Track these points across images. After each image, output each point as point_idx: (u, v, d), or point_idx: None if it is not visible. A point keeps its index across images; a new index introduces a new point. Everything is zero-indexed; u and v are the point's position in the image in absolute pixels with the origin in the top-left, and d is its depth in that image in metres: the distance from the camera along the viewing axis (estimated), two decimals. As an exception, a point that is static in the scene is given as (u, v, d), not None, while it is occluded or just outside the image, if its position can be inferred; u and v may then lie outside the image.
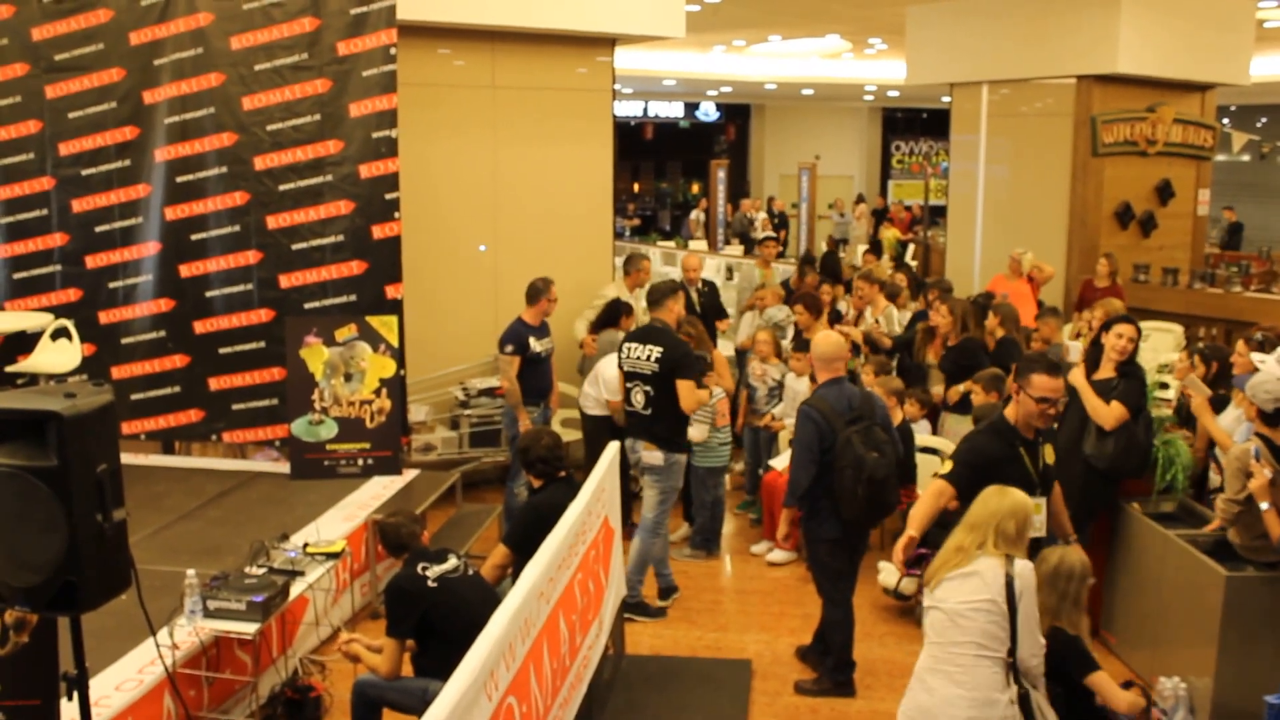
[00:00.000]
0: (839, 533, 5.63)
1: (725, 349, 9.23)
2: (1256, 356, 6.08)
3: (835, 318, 9.21)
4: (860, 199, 25.32)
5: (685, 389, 6.54)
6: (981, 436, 4.80)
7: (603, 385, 7.63)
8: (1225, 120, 21.02)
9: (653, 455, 6.60)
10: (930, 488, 4.64)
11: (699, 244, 20.68)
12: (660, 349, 6.54)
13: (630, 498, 7.98)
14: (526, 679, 3.72)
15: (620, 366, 6.75)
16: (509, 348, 7.46)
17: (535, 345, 7.52)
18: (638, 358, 6.59)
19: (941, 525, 6.59)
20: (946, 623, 3.91)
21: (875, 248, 14.89)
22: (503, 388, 7.67)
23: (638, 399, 6.60)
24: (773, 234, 18.28)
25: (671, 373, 6.49)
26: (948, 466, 4.67)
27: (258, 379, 7.75)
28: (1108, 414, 5.90)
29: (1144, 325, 10.55)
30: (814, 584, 5.92)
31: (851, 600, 5.79)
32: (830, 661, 5.84)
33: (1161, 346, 10.26)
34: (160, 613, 4.66)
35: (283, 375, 7.59)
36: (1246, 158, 24.13)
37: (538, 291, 7.63)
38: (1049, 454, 4.81)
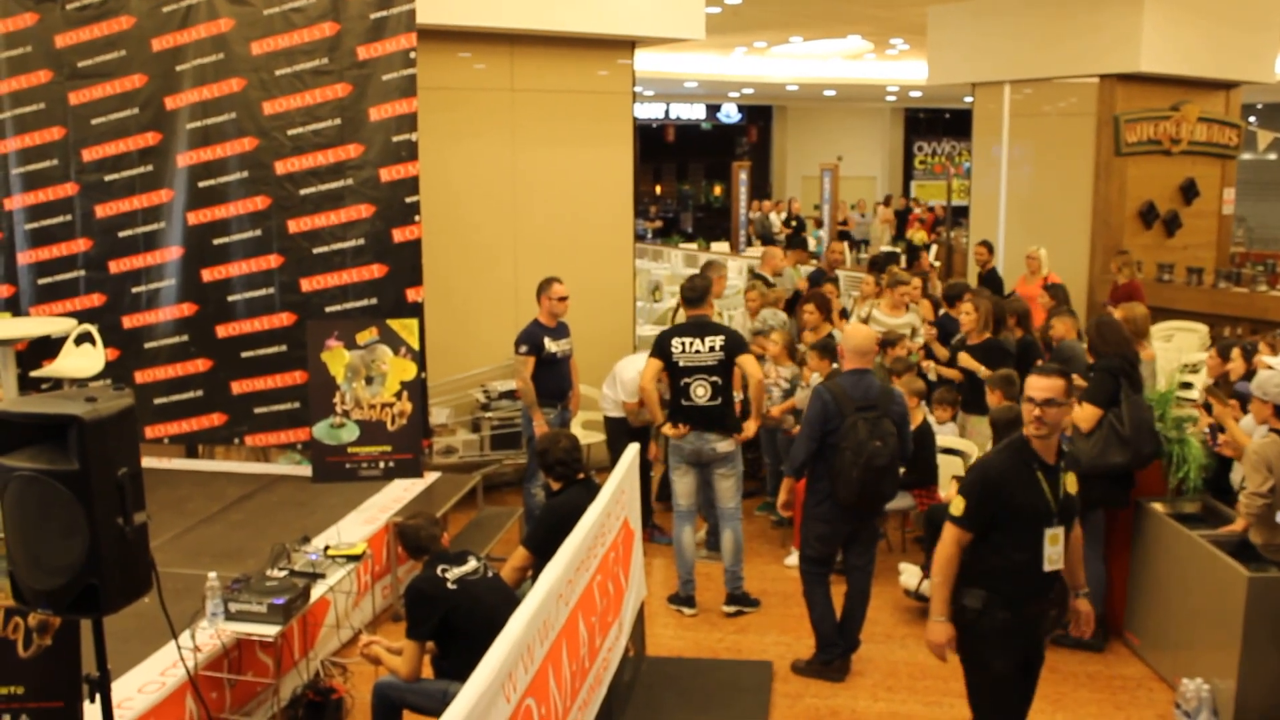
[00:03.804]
0: (829, 515, 5.78)
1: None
2: (1266, 359, 6.03)
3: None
4: (888, 201, 25.17)
5: (753, 360, 6.68)
6: (994, 455, 4.32)
7: (620, 387, 7.63)
8: (1252, 118, 20.87)
9: (726, 444, 6.65)
10: (945, 535, 4.22)
11: (720, 245, 20.68)
12: (722, 337, 6.58)
13: (650, 499, 8.00)
14: (545, 680, 3.72)
15: (673, 363, 6.61)
16: (523, 348, 7.46)
17: (551, 346, 7.51)
18: (697, 351, 6.56)
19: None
20: None
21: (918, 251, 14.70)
22: (518, 389, 7.68)
23: (700, 393, 6.55)
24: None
25: (733, 355, 6.57)
26: (959, 507, 4.18)
27: (279, 382, 7.79)
28: (1080, 417, 5.92)
29: (1168, 325, 10.60)
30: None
31: (828, 584, 5.97)
32: (816, 642, 6.03)
33: (1186, 346, 10.20)
34: (182, 615, 4.68)
35: (304, 379, 7.62)
36: (1273, 156, 23.96)
37: (538, 291, 7.64)
38: (1071, 483, 4.23)
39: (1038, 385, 4.11)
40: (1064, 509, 4.17)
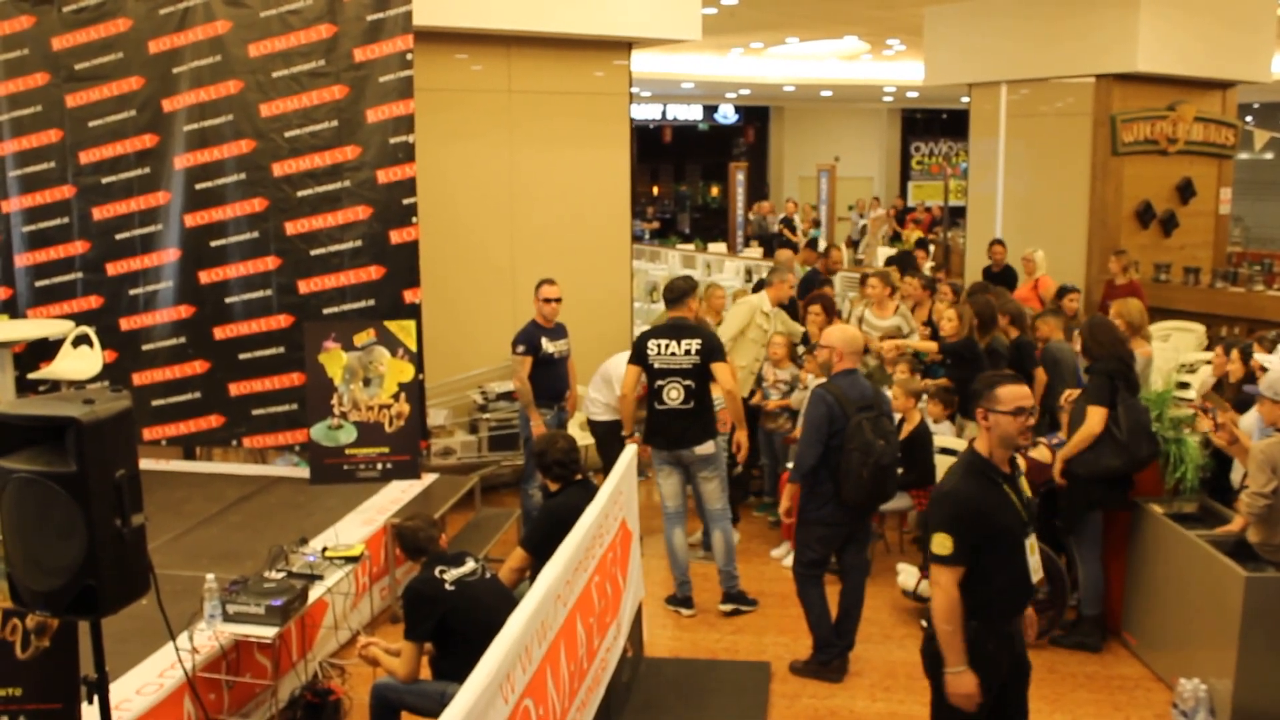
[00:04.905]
0: (833, 516, 5.77)
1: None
2: (1261, 358, 6.03)
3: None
4: (891, 212, 25.06)
5: (726, 370, 6.63)
6: (960, 484, 3.97)
7: (615, 382, 7.58)
8: (1248, 118, 20.90)
9: (705, 446, 6.62)
10: (939, 580, 3.92)
11: (718, 246, 20.65)
12: (698, 340, 6.55)
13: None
14: (543, 681, 3.72)
15: (649, 366, 6.60)
16: (520, 348, 7.46)
17: (548, 346, 7.50)
18: (672, 354, 6.54)
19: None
20: None
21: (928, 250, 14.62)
22: (515, 389, 7.67)
23: (674, 395, 6.53)
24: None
25: (709, 359, 6.54)
26: (946, 546, 3.88)
27: (277, 384, 7.79)
28: (1090, 418, 5.90)
29: (1165, 325, 10.60)
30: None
31: (823, 585, 5.96)
32: (814, 642, 6.02)
33: (1183, 346, 10.21)
34: (180, 617, 4.68)
35: (302, 380, 7.62)
36: (1270, 155, 23.98)
37: (533, 292, 7.66)
38: (1026, 487, 4.12)
39: (1020, 394, 3.93)
40: (1030, 514, 4.07)
